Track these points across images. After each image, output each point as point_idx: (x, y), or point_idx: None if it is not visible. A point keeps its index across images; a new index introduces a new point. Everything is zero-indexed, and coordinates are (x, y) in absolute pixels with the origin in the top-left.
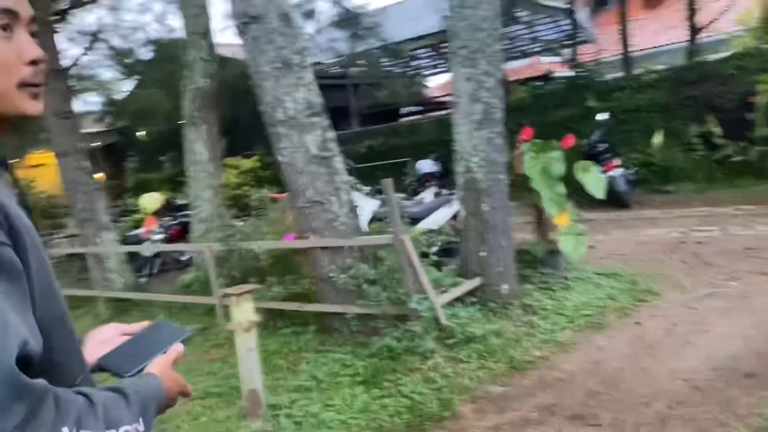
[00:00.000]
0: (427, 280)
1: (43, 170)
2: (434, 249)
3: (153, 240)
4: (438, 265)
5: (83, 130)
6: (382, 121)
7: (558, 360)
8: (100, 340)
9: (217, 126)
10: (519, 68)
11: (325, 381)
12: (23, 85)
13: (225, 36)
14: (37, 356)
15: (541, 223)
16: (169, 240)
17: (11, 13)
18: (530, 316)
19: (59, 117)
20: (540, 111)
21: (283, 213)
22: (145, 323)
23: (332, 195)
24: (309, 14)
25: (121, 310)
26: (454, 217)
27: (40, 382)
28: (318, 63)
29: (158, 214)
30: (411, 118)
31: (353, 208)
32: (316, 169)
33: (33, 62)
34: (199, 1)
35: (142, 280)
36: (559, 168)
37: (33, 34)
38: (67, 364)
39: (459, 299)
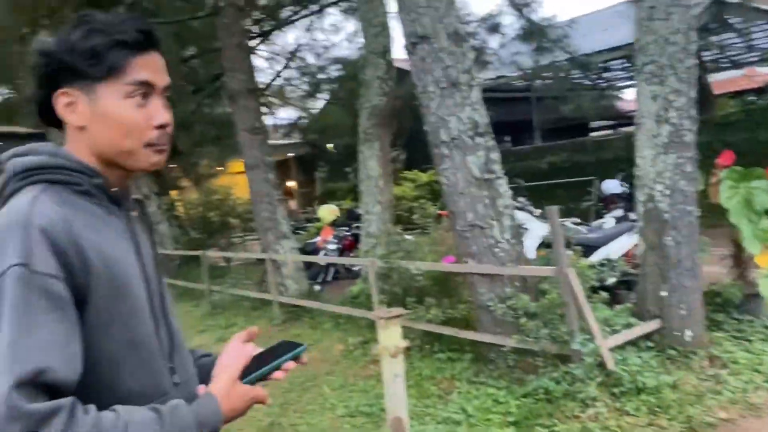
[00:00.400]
0: (593, 320)
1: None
2: (611, 281)
3: (327, 249)
4: (612, 302)
5: (278, 142)
6: (567, 136)
7: (747, 426)
8: (231, 355)
9: (389, 143)
10: (729, 80)
11: (475, 416)
12: (149, 145)
13: None
14: (64, 383)
15: (739, 262)
16: (342, 250)
17: (149, 85)
18: (717, 369)
19: (251, 133)
20: (752, 128)
21: (446, 232)
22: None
23: (494, 219)
24: (493, 28)
25: (293, 315)
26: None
27: (45, 405)
28: (500, 77)
29: (335, 224)
30: (600, 133)
31: (516, 234)
32: (477, 192)
33: (160, 126)
34: (379, 20)
35: (316, 287)
36: (764, 200)
37: (168, 99)
38: (137, 387)
39: (631, 343)
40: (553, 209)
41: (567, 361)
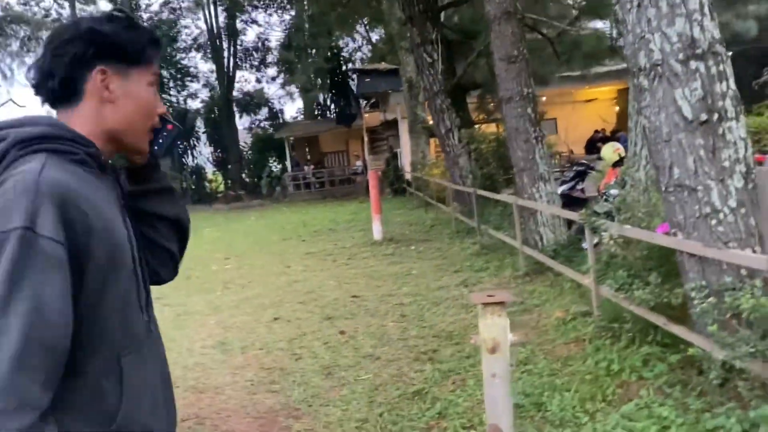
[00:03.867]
0: None
1: (594, 105)
2: None
3: (609, 195)
4: None
5: None
6: None
7: None
8: None
9: None
10: None
11: None
12: (151, 129)
13: None
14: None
15: None
16: None
17: (157, 75)
18: None
19: (507, 61)
20: None
21: None
22: None
23: (712, 179)
24: None
25: (538, 268)
26: None
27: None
28: None
29: (619, 165)
30: None
31: (753, 202)
32: (688, 140)
33: (159, 114)
34: None
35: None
36: None
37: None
38: (120, 337)
39: None
40: (765, 169)
41: None
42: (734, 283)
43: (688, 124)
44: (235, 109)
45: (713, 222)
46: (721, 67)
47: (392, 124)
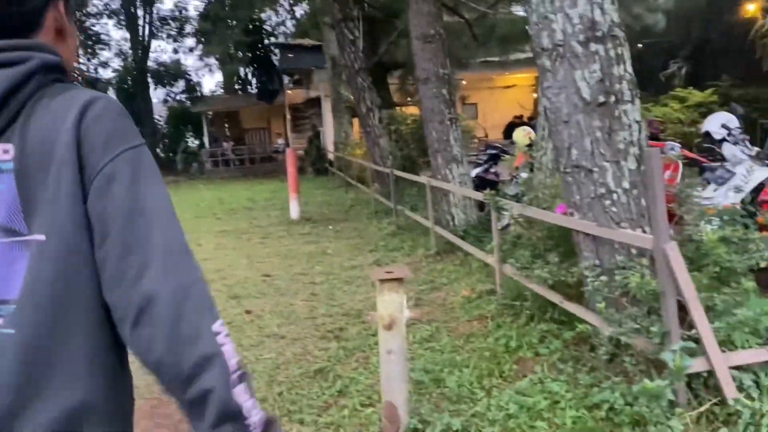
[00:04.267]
0: (705, 321)
1: (513, 91)
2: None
3: (519, 179)
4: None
5: None
6: None
7: None
8: None
9: None
10: None
11: (517, 418)
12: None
13: None
14: None
15: None
16: None
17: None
18: None
19: (423, 41)
20: None
21: None
22: None
23: (608, 160)
24: None
25: (449, 247)
26: None
27: None
28: None
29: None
30: None
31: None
32: (586, 121)
33: None
34: None
35: (504, 222)
36: None
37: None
38: None
39: None
40: (653, 150)
41: (664, 368)
42: (625, 262)
43: (587, 106)
44: (149, 80)
45: (607, 202)
46: (619, 51)
47: (316, 102)
